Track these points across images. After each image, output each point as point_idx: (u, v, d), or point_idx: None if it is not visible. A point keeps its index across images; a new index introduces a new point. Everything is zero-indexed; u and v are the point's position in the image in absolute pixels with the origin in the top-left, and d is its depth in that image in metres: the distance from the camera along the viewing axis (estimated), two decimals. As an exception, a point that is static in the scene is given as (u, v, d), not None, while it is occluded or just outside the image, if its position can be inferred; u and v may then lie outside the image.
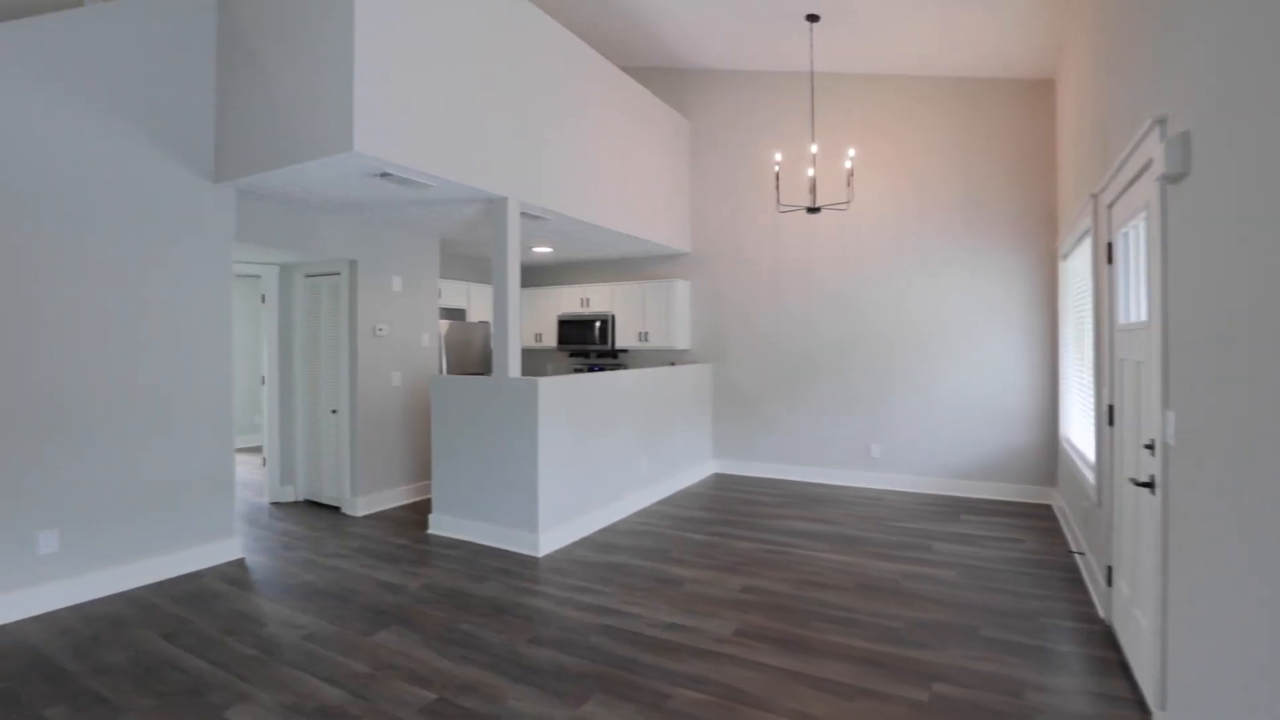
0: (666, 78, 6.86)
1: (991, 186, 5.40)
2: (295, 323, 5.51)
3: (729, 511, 5.13)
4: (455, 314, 7.03)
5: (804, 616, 3.17)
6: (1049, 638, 2.91)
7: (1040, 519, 4.84)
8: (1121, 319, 2.79)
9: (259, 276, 5.41)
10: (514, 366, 4.28)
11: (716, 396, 6.65)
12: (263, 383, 5.47)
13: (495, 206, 4.30)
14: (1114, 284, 2.89)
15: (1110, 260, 2.93)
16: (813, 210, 4.70)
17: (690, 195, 6.76)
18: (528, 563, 3.97)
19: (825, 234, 6.02)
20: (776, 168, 4.71)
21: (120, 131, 3.53)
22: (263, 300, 5.50)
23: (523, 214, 4.75)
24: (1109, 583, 2.95)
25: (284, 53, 3.53)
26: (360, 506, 5.08)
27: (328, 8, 3.31)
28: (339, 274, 5.19)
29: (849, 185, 4.65)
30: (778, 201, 4.78)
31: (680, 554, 4.12)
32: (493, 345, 4.27)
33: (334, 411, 5.28)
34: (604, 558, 4.06)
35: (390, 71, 3.42)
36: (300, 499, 5.56)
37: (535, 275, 8.01)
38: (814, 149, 4.59)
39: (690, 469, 6.14)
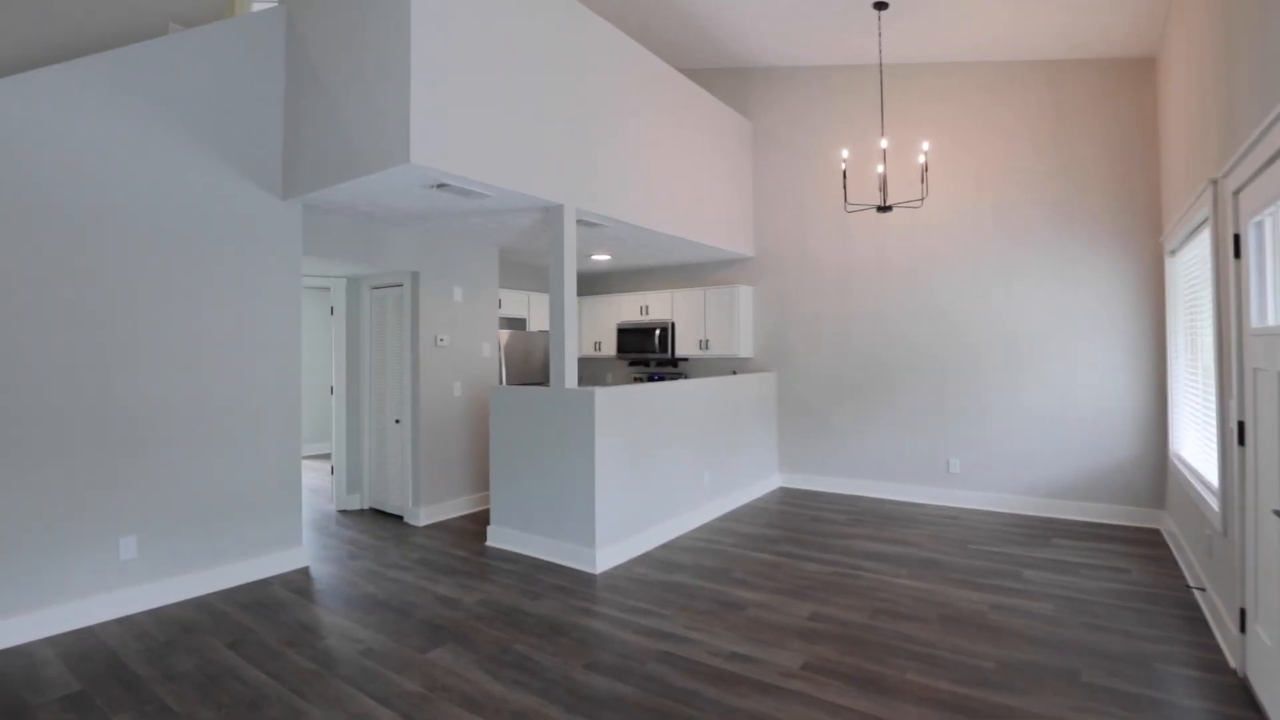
0: (725, 78, 6.68)
1: (1083, 177, 4.96)
2: (362, 334, 5.63)
3: (795, 529, 4.87)
4: (516, 323, 7.06)
5: (879, 651, 2.92)
6: (1167, 688, 2.55)
7: (1146, 546, 4.36)
8: (1255, 322, 2.42)
9: (328, 289, 5.55)
10: (570, 376, 4.19)
11: (781, 407, 6.39)
12: (331, 393, 5.62)
13: (552, 214, 4.24)
14: (1243, 281, 2.52)
15: (1238, 254, 2.56)
16: (883, 209, 4.42)
17: (753, 197, 6.54)
18: (585, 580, 3.86)
19: (897, 234, 5.68)
20: (843, 165, 4.46)
21: (194, 151, 3.66)
22: (331, 312, 5.65)
23: (580, 221, 4.67)
24: (1242, 628, 2.56)
25: (345, 68, 3.58)
26: (422, 516, 5.11)
27: (386, 22, 3.33)
28: (402, 285, 5.27)
29: (923, 181, 4.34)
30: (845, 201, 4.52)
31: (744, 575, 3.91)
32: (550, 354, 4.20)
33: (398, 421, 5.35)
34: (663, 576, 3.90)
35: (446, 83, 3.40)
36: (366, 507, 5.66)
37: (594, 283, 7.96)
38: (884, 144, 4.31)
39: (754, 483, 5.91)
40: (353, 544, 4.64)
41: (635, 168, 4.83)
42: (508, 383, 6.25)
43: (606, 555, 4.05)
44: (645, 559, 4.22)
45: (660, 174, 5.12)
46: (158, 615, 3.36)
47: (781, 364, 6.40)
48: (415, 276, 5.14)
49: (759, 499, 5.84)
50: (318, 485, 6.77)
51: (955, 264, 5.45)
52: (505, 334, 6.30)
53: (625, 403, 4.23)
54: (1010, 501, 5.26)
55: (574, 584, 3.79)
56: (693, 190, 5.55)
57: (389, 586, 3.79)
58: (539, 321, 7.14)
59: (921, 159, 4.31)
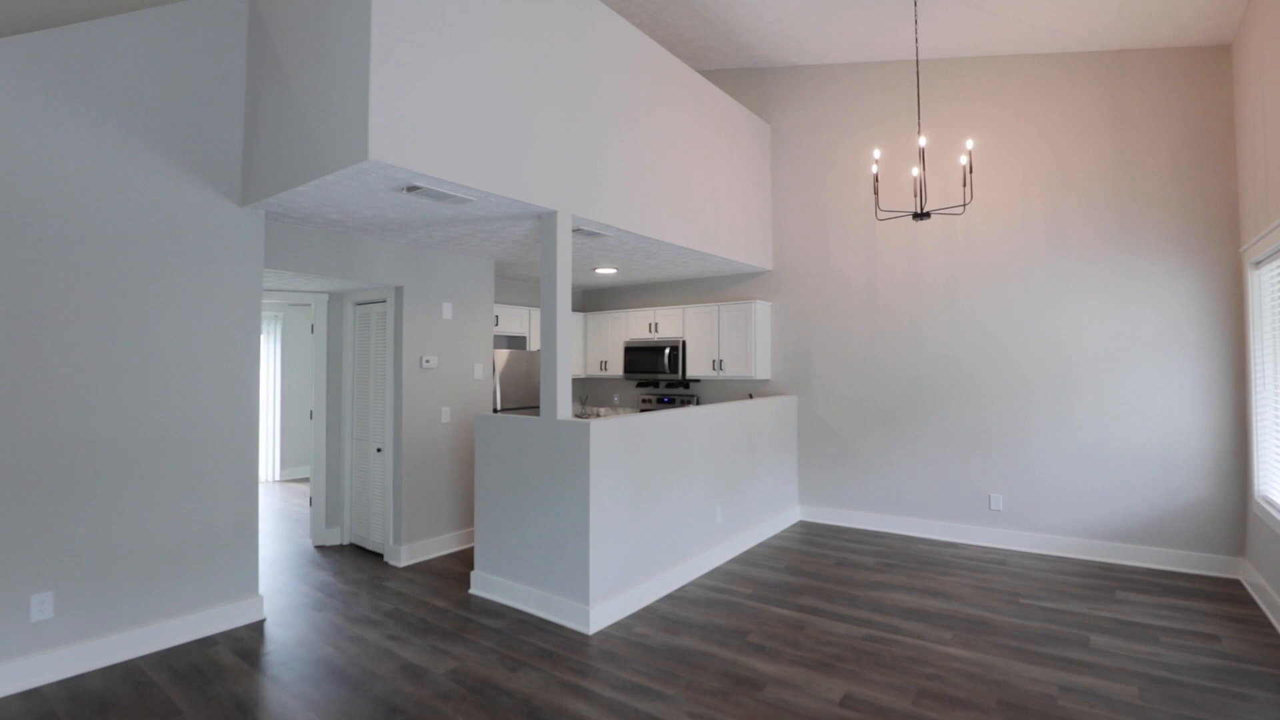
0: (743, 79, 6.22)
1: (1145, 181, 4.40)
2: (345, 354, 5.18)
3: (819, 576, 4.31)
4: (516, 342, 6.59)
5: (931, 755, 2.36)
6: (1316, 824, 1.97)
7: (1230, 602, 3.74)
8: None
9: (309, 305, 5.12)
10: (563, 405, 3.69)
11: (802, 433, 5.84)
12: (310, 417, 5.16)
13: (544, 222, 3.76)
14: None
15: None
16: (920, 216, 3.89)
17: (772, 206, 6.04)
18: (576, 643, 3.33)
19: (933, 244, 5.14)
20: (875, 168, 3.95)
21: (140, 151, 3.24)
22: (312, 330, 5.20)
23: (578, 230, 4.20)
24: None
25: (306, 52, 3.15)
26: (403, 556, 4.61)
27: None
28: (386, 301, 4.82)
29: (965, 185, 3.81)
30: (877, 208, 4.00)
31: (761, 638, 3.36)
32: (541, 380, 3.71)
33: (379, 450, 4.88)
34: (667, 639, 3.36)
35: (417, 69, 2.95)
36: (346, 542, 5.18)
37: (599, 298, 7.48)
38: (922, 141, 3.79)
39: (772, 518, 5.35)
40: (322, 589, 4.14)
41: (641, 172, 4.35)
42: (503, 407, 5.76)
43: (602, 612, 3.51)
44: (647, 615, 3.68)
45: (670, 180, 4.64)
46: (72, 687, 2.88)
47: (802, 387, 5.85)
48: (399, 292, 4.69)
49: (777, 536, 5.27)
50: (299, 514, 6.30)
51: (999, 277, 4.89)
52: (504, 354, 5.83)
53: (626, 434, 3.72)
54: (1062, 544, 4.65)
55: (563, 648, 3.26)
56: (706, 198, 5.07)
57: (350, 649, 3.28)
58: (537, 339, 6.65)
59: (964, 160, 3.78)
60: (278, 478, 7.95)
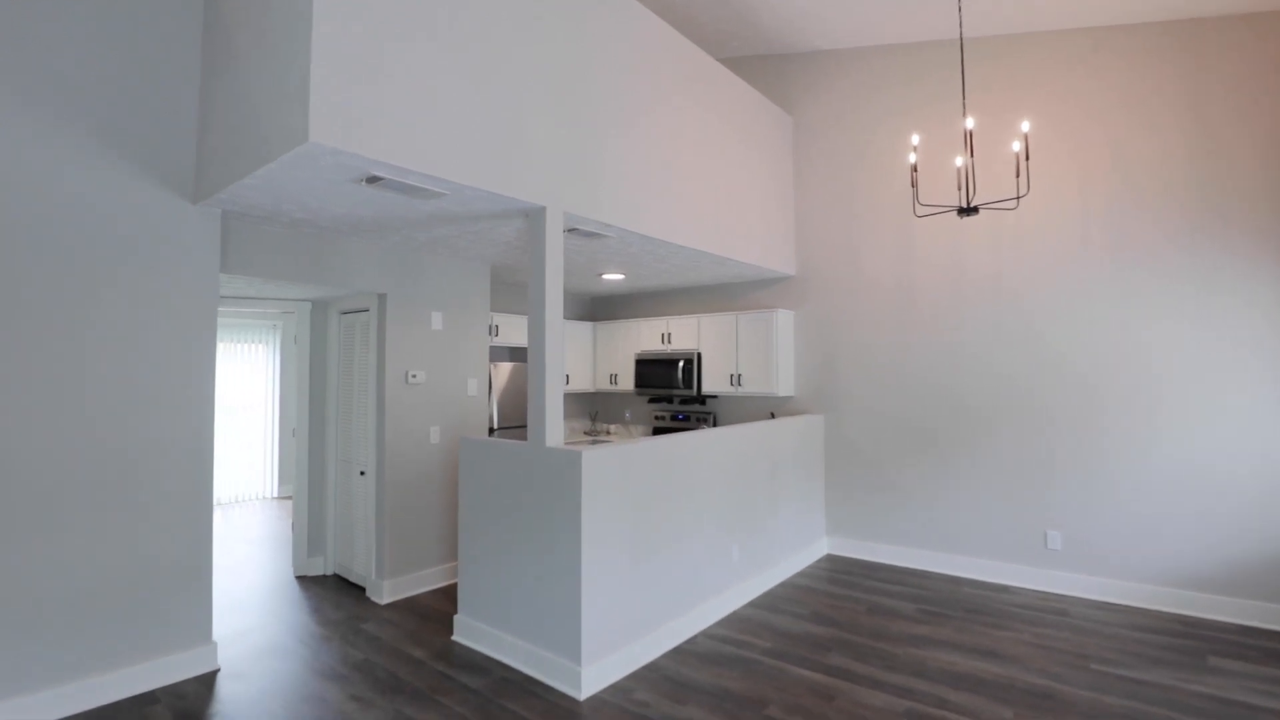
0: (761, 67, 5.72)
1: (1233, 170, 3.79)
2: (329, 367, 4.78)
3: (850, 626, 3.75)
4: (519, 354, 6.15)
5: None
6: None
7: (1356, 674, 3.11)
8: None
9: (292, 314, 4.74)
10: (552, 428, 3.21)
11: (830, 457, 5.28)
12: (294, 435, 4.77)
13: (532, 220, 3.30)
14: None
15: None
16: (967, 211, 3.35)
17: (795, 205, 5.52)
18: (564, 711, 2.83)
19: (979, 244, 4.58)
20: (913, 156, 3.42)
21: (78, 143, 2.86)
22: (295, 341, 4.82)
23: (574, 231, 3.73)
24: None
25: (255, 29, 2.74)
26: (385, 592, 4.17)
27: (293, -41, 2.48)
28: (369, 310, 4.41)
29: (1019, 175, 3.26)
30: (915, 201, 3.47)
31: (782, 710, 2.83)
32: (529, 399, 3.25)
33: (362, 473, 4.46)
34: (671, 709, 2.84)
35: (374, 43, 2.52)
36: (330, 572, 4.76)
37: (608, 307, 7.02)
38: (969, 123, 3.26)
39: (796, 553, 4.80)
40: (291, 631, 3.72)
41: (646, 166, 3.88)
42: (500, 427, 5.32)
43: (596, 672, 3.02)
44: (650, 675, 3.17)
45: (679, 175, 4.16)
46: (-32, 764, 2.47)
47: (830, 404, 5.30)
48: (382, 300, 4.27)
49: (802, 573, 4.72)
50: (285, 535, 5.92)
51: (1058, 281, 4.30)
52: (504, 368, 5.39)
53: (626, 464, 3.23)
54: (1134, 592, 4.02)
55: (549, 717, 2.77)
56: (720, 196, 4.57)
57: (305, 713, 2.83)
58: (545, 351, 6.19)
59: (1017, 146, 3.23)
60: (275, 494, 7.62)
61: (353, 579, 4.55)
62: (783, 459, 4.66)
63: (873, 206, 5.09)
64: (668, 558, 3.50)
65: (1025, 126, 3.20)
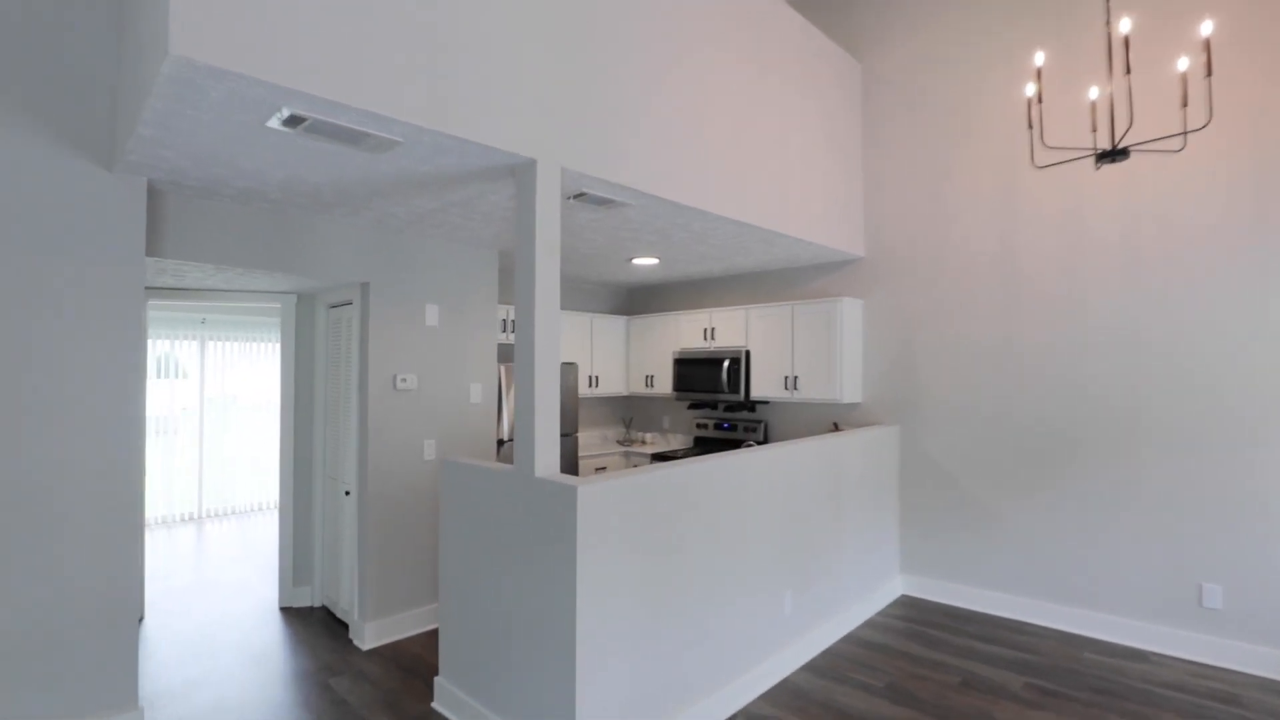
0: (819, 6, 4.83)
1: None
2: (317, 368, 4.19)
3: (938, 707, 2.86)
4: (541, 352, 5.44)
5: None
6: None
7: None
8: None
9: (278, 306, 4.18)
10: (544, 450, 2.46)
11: (906, 478, 4.35)
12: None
13: (520, 177, 2.56)
14: None
15: None
16: (1110, 156, 2.42)
17: (863, 170, 4.61)
18: (547, 843, 2.08)
19: (1112, 208, 3.57)
20: (1031, 88, 2.51)
21: (-56, 91, 2.29)
22: (283, 339, 4.24)
23: (584, 195, 2.97)
24: None
25: (144, -70, 2.09)
26: (368, 635, 3.52)
27: None
28: (351, 303, 3.77)
29: (1185, 105, 2.30)
30: (1034, 148, 2.55)
31: None
32: (517, 410, 2.51)
33: (348, 493, 3.83)
34: (695, 847, 2.05)
35: (275, -83, 1.82)
36: (317, 604, 4.17)
37: (642, 298, 6.24)
38: (1124, 26, 2.32)
39: (863, 596, 3.90)
40: (249, 686, 3.10)
41: (675, 116, 3.08)
42: (513, 439, 4.60)
43: (597, 781, 2.25)
44: (671, 781, 2.38)
45: (718, 129, 3.35)
46: None
47: (906, 413, 4.37)
48: (364, 290, 3.62)
49: (872, 622, 3.82)
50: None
51: (1223, 261, 3.27)
52: (518, 367, 4.67)
53: (639, 498, 2.44)
54: (1339, 672, 2.97)
55: None
56: (771, 157, 3.73)
57: (213, 822, 2.17)
58: (574, 350, 5.48)
59: (1184, 64, 2.27)
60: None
61: (339, 614, 3.93)
62: (848, 481, 3.77)
63: (965, 169, 4.13)
64: (698, 616, 2.70)
65: (1207, 29, 2.24)
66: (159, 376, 6.29)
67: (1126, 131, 2.41)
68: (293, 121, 2.07)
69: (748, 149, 3.56)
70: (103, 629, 2.57)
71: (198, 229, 3.00)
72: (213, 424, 6.66)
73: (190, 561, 5.21)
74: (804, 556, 3.35)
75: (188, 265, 3.11)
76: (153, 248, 2.87)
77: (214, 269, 3.18)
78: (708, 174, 3.28)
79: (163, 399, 6.33)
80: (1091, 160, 3.08)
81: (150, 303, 4.19)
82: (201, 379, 6.55)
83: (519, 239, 2.51)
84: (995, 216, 4.00)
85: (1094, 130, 2.52)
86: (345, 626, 3.82)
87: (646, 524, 2.46)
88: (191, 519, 6.56)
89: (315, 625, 3.87)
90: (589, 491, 2.24)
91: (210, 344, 6.55)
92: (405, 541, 3.70)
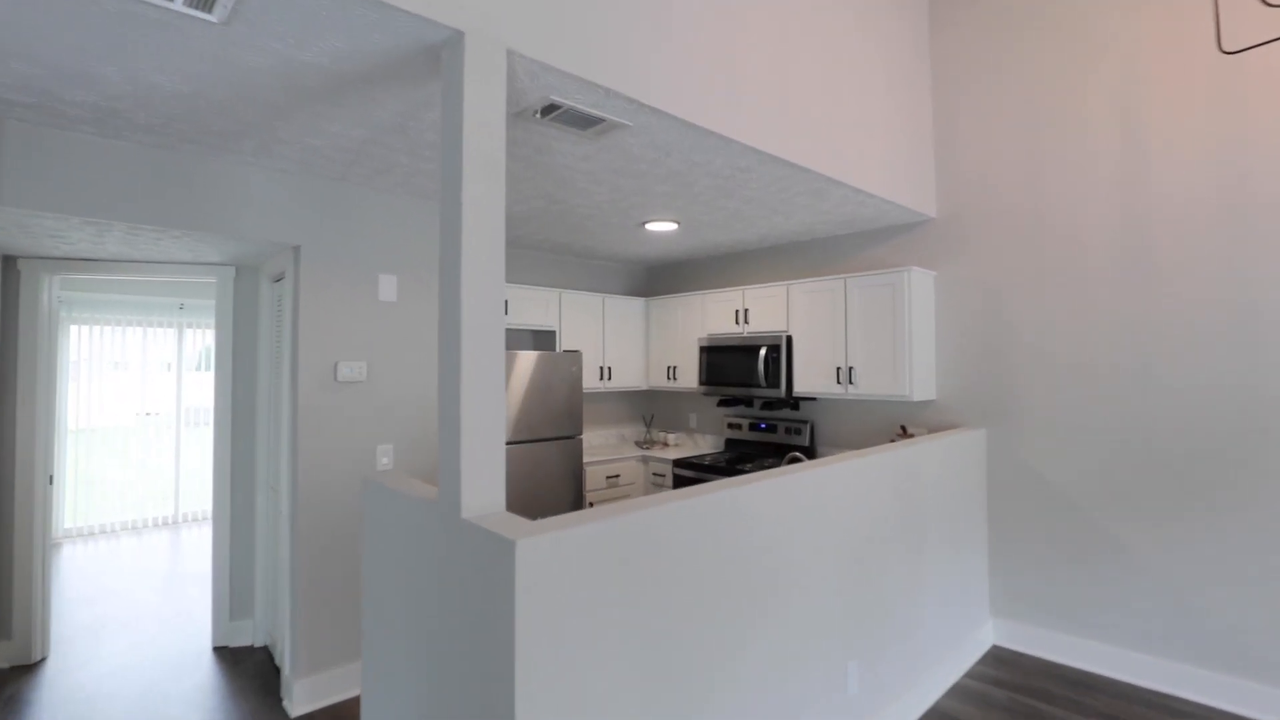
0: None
1: None
2: (260, 356, 3.45)
3: None
4: (543, 339, 4.62)
5: None
6: None
7: None
8: None
9: (213, 282, 3.45)
10: (476, 481, 1.61)
11: (995, 494, 3.39)
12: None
13: (445, 61, 1.71)
14: None
15: None
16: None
17: (932, 104, 3.64)
18: None
19: (1297, 138, 2.55)
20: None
21: None
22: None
23: (557, 109, 2.10)
24: None
25: None
26: (299, 696, 2.76)
27: None
28: (284, 276, 3.00)
29: None
30: (1219, 33, 1.58)
31: None
32: (440, 419, 1.67)
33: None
34: None
35: None
36: (259, 643, 3.43)
37: (663, 277, 5.35)
38: None
39: (947, 655, 2.96)
40: (124, 774, 2.36)
41: (682, 9, 2.20)
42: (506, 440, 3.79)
43: None
44: None
45: (757, 37, 2.45)
46: None
47: (995, 414, 3.40)
48: (295, 255, 2.85)
49: (961, 689, 2.88)
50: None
51: None
52: (514, 358, 3.86)
53: (616, 550, 1.58)
54: None
55: None
56: (817, 83, 2.81)
57: None
58: (577, 335, 4.63)
59: None
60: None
61: (279, 660, 3.19)
62: (929, 503, 2.84)
63: (1079, 95, 3.13)
64: (718, 712, 1.82)
65: None
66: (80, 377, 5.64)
67: None
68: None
69: (793, 71, 2.65)
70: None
71: (52, 169, 2.24)
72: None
73: (132, 580, 4.55)
74: (874, 613, 2.44)
75: (52, 220, 2.37)
76: (-23, 190, 2.13)
77: (81, 221, 2.43)
78: (739, 92, 2.38)
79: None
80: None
81: (63, 277, 3.51)
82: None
83: (443, 157, 1.67)
84: (1115, 164, 2.99)
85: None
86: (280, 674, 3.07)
87: (633, 587, 1.60)
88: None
89: (249, 674, 3.13)
90: (536, 547, 1.39)
91: (150, 331, 5.73)
92: (348, 578, 2.92)
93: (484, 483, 1.60)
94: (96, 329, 5.39)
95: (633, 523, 1.60)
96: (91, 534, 5.55)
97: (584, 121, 2.15)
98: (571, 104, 2.00)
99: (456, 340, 1.59)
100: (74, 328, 5.25)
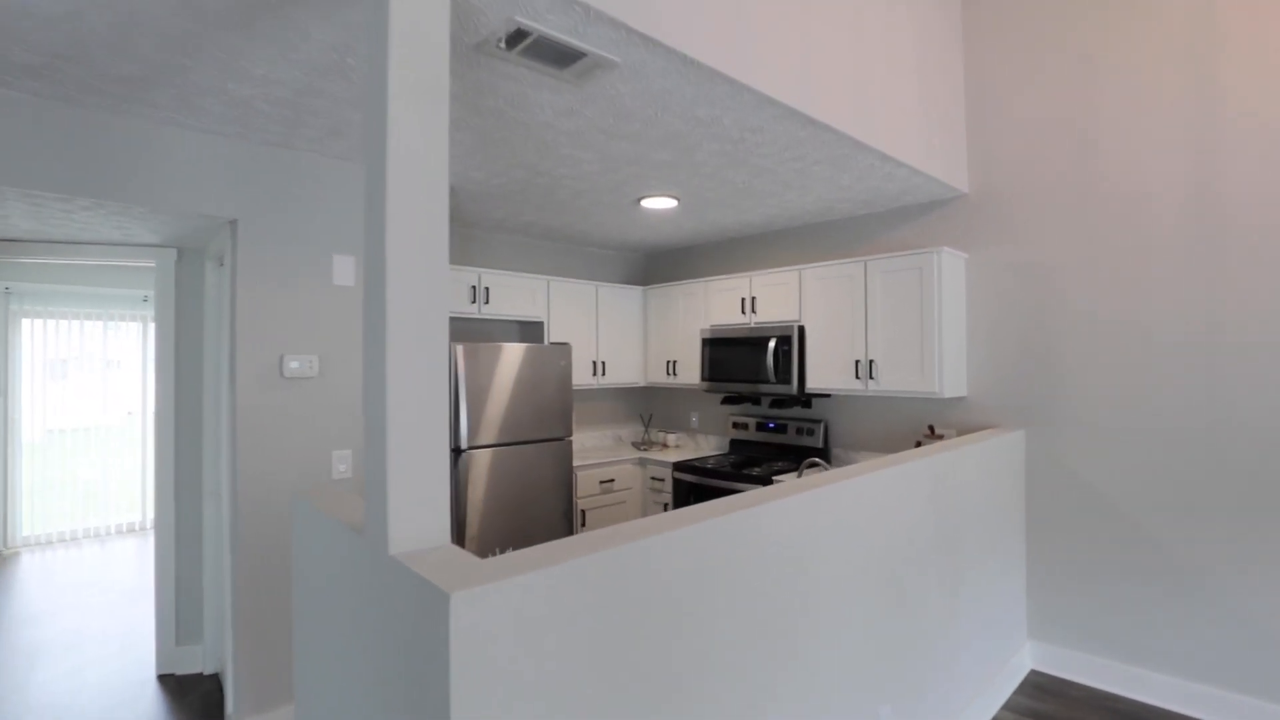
0: None
1: None
2: (205, 347, 3.07)
3: None
4: (530, 331, 4.24)
5: None
6: None
7: None
8: None
9: (153, 265, 3.06)
10: (406, 509, 1.23)
11: (1035, 502, 3.00)
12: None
13: (375, -29, 1.32)
14: None
15: None
16: None
17: (964, 66, 3.24)
18: None
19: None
20: None
21: None
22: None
23: (527, 37, 1.71)
24: None
25: None
26: (241, 740, 2.39)
27: None
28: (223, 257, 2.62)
29: None
30: None
31: None
32: (365, 427, 1.30)
33: (229, 525, 2.68)
34: None
35: None
36: (209, 671, 3.06)
37: (664, 264, 4.96)
38: None
39: (984, 685, 2.59)
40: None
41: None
42: (483, 444, 3.40)
43: None
44: None
45: (761, -45, 2.06)
46: None
47: (1034, 414, 3.01)
48: (233, 230, 2.46)
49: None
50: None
51: None
52: (513, 349, 3.47)
53: (586, 598, 1.20)
54: None
55: None
56: (844, 33, 2.41)
57: None
58: (567, 326, 4.24)
59: None
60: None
61: (230, 691, 2.82)
62: (965, 516, 2.46)
63: (1129, 58, 2.73)
64: (729, 801, 1.44)
65: None
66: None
67: None
68: None
69: (815, 9, 2.26)
70: None
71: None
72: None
73: (84, 594, 4.17)
74: (908, 647, 2.06)
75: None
76: None
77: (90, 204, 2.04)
78: (751, 27, 1.99)
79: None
80: None
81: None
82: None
83: (367, 88, 1.27)
84: (1180, 130, 2.59)
85: None
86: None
87: (615, 646, 1.22)
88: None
89: (194, 709, 2.76)
90: (478, 601, 1.01)
91: (111, 325, 5.32)
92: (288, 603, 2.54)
93: (418, 508, 1.22)
94: (51, 323, 5.00)
95: (614, 560, 1.21)
96: (50, 543, 5.18)
97: (562, 56, 1.76)
98: (543, 29, 1.61)
99: (381, 326, 1.20)
100: (25, 321, 4.87)
